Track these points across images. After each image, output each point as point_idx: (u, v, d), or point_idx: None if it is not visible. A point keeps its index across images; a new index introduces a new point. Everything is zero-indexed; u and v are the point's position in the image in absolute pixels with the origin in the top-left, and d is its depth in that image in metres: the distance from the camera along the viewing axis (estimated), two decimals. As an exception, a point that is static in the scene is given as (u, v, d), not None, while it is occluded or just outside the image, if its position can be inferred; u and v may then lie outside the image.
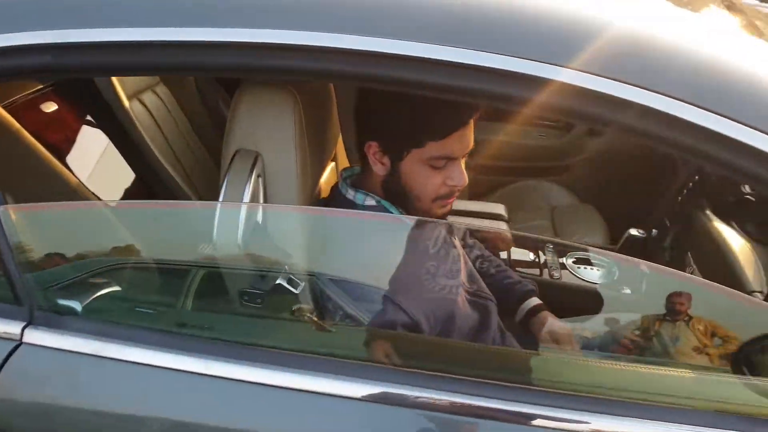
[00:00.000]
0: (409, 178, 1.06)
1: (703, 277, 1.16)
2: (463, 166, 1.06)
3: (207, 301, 1.05)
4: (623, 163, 2.35)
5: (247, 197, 1.00)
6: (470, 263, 1.31)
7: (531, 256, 1.79)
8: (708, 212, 1.29)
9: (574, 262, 1.77)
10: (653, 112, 0.69)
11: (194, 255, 1.03)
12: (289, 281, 1.00)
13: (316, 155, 1.15)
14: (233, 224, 0.98)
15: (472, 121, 1.04)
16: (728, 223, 1.26)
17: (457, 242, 1.28)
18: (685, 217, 1.33)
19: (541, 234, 2.14)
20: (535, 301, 1.41)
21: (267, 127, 1.01)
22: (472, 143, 1.05)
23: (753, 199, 1.31)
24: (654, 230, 1.74)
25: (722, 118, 0.69)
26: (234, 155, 1.03)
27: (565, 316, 1.46)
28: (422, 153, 1.03)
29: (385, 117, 1.05)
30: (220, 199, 1.01)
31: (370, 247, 1.04)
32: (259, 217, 1.00)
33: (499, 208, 1.86)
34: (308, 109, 1.05)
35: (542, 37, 0.74)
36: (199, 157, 1.85)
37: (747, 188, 1.30)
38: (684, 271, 1.22)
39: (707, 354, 0.99)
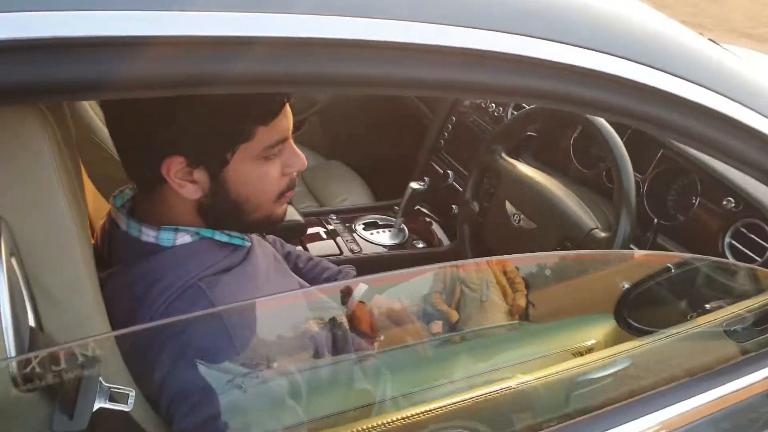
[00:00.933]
0: (241, 186, 0.79)
1: (535, 223, 1.17)
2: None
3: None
4: (359, 111, 2.30)
5: (4, 294, 0.59)
6: (296, 276, 1.11)
7: (321, 231, 1.62)
8: (504, 156, 1.29)
9: (364, 229, 1.68)
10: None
11: None
12: (112, 398, 0.66)
13: (80, 194, 0.76)
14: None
15: None
16: (526, 164, 1.28)
17: (280, 257, 1.05)
18: (481, 164, 1.32)
19: (301, 201, 1.98)
20: (363, 286, 1.27)
21: (8, 175, 0.60)
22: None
23: (535, 134, 1.37)
24: (426, 179, 1.74)
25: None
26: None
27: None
28: (252, 146, 0.77)
29: (190, 119, 0.73)
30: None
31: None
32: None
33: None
34: (60, 130, 0.67)
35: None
36: None
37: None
38: (510, 220, 1.21)
39: (510, 306, 0.97)
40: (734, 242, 1.08)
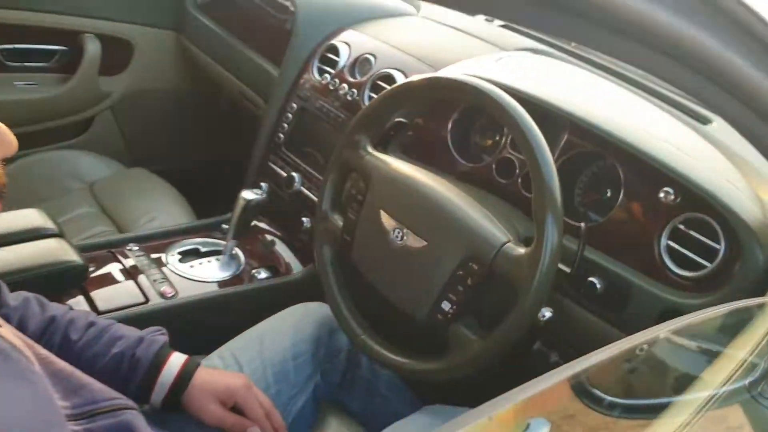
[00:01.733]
0: None
1: (426, 240, 0.81)
2: None
3: None
4: (166, 103, 1.82)
5: None
6: (53, 359, 0.67)
7: (116, 270, 1.14)
8: (371, 150, 0.93)
9: (180, 260, 1.22)
10: None
11: None
12: None
13: None
14: None
15: None
16: (399, 157, 0.94)
17: (18, 345, 0.60)
18: (341, 163, 0.96)
19: (87, 228, 1.45)
20: (178, 359, 0.85)
21: None
22: None
23: (405, 120, 1.04)
24: (263, 185, 1.33)
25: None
26: None
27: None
28: None
29: None
30: None
31: None
32: None
33: (35, 217, 1.08)
34: None
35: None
36: None
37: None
38: (389, 237, 0.85)
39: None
40: (673, 244, 0.85)
